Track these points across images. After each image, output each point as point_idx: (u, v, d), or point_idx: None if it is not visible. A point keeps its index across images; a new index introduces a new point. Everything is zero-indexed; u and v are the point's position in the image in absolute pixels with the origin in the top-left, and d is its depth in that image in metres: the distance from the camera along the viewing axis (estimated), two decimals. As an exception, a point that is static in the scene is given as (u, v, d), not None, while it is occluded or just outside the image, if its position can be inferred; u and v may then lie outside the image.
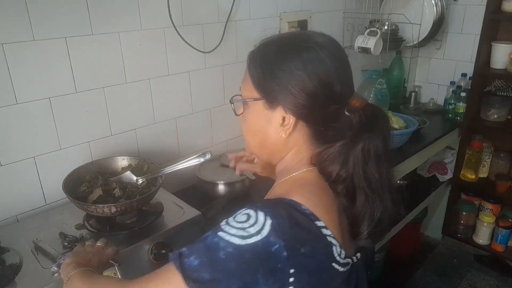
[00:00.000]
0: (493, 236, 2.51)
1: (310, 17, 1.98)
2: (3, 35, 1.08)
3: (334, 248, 0.66)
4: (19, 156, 1.18)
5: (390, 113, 2.06)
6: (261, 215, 0.63)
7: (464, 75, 2.48)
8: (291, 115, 0.71)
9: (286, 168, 0.77)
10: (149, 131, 1.48)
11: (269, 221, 0.62)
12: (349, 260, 0.69)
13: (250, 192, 1.52)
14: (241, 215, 0.65)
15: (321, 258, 0.66)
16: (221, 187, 1.47)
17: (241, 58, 1.69)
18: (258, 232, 0.62)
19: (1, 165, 1.16)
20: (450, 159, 2.57)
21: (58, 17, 1.16)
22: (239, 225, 0.63)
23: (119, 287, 0.75)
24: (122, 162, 1.27)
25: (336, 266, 0.67)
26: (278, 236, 0.61)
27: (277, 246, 0.61)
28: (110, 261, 0.93)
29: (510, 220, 2.43)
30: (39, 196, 1.25)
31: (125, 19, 1.31)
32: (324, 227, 0.66)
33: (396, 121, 2.02)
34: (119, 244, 1.03)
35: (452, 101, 2.43)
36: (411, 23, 2.24)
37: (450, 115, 2.45)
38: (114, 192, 1.12)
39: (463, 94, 2.37)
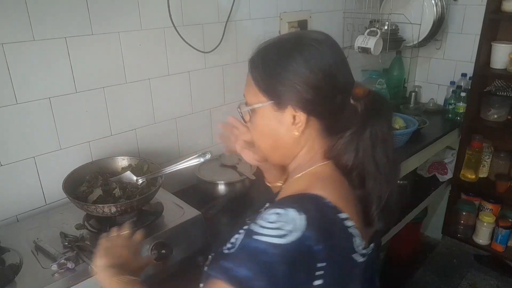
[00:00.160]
0: (493, 236, 2.51)
1: (310, 17, 1.98)
2: (3, 35, 1.08)
3: (354, 239, 0.68)
4: (19, 156, 1.18)
5: (390, 113, 2.06)
6: (292, 212, 0.64)
7: (464, 75, 2.48)
8: (301, 112, 0.72)
9: (299, 166, 0.78)
10: (149, 131, 1.48)
11: (302, 216, 0.63)
12: (366, 251, 0.71)
13: (250, 192, 1.52)
14: (270, 215, 0.65)
15: (344, 250, 0.68)
16: (221, 187, 1.47)
17: (241, 58, 1.69)
18: (295, 229, 0.62)
19: (1, 165, 1.16)
20: (450, 159, 2.57)
21: (58, 17, 1.16)
22: (273, 225, 0.63)
23: None
24: (122, 162, 1.27)
25: (356, 257, 0.69)
26: (313, 229, 0.63)
27: (313, 240, 0.63)
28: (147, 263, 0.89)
29: (510, 220, 2.43)
30: (39, 196, 1.25)
31: (125, 19, 1.31)
32: (347, 218, 0.68)
33: (396, 121, 2.02)
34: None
35: (452, 101, 2.43)
36: (411, 23, 2.24)
37: (450, 115, 2.45)
38: (114, 192, 1.12)
39: (463, 94, 2.36)
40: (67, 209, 1.21)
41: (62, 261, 0.95)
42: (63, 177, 1.13)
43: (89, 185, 1.15)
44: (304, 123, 0.73)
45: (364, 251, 0.70)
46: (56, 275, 0.93)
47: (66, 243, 1.04)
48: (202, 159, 1.13)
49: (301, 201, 0.67)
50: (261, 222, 0.65)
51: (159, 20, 1.39)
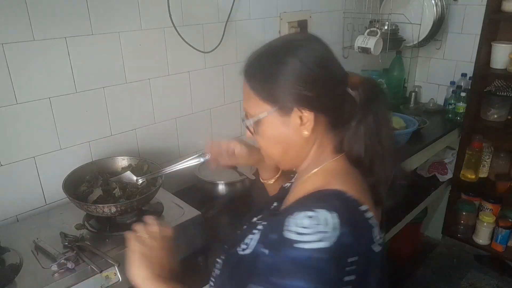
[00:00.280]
0: (493, 236, 2.51)
1: (310, 17, 1.98)
2: (3, 35, 1.08)
3: (373, 230, 0.70)
4: (19, 156, 1.18)
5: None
6: (323, 212, 0.64)
7: (464, 75, 2.48)
8: (307, 111, 0.73)
9: (310, 164, 0.79)
10: (149, 131, 1.48)
11: (334, 214, 0.64)
12: (382, 240, 0.73)
13: (250, 192, 1.52)
14: (301, 220, 0.65)
15: (366, 242, 0.69)
16: (221, 187, 1.47)
17: (241, 58, 1.68)
18: (332, 228, 0.63)
19: (1, 165, 1.16)
20: (450, 159, 2.57)
21: (58, 17, 1.16)
22: (310, 230, 0.63)
23: None
24: (122, 162, 1.27)
25: (374, 247, 0.70)
26: (345, 226, 0.64)
27: (347, 236, 0.64)
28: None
29: (510, 220, 2.43)
30: (39, 196, 1.25)
31: (125, 19, 1.31)
32: (366, 210, 0.70)
33: (396, 121, 2.02)
34: (119, 244, 1.03)
35: (452, 101, 2.43)
36: (411, 23, 2.24)
37: (450, 115, 2.45)
38: (114, 192, 1.12)
39: (463, 94, 2.37)
40: (67, 209, 1.21)
41: (62, 261, 0.94)
42: (63, 177, 1.13)
43: (89, 185, 1.15)
44: (313, 121, 0.73)
45: (380, 241, 0.72)
46: (56, 275, 0.93)
47: (66, 243, 1.03)
48: (202, 159, 1.13)
49: (326, 199, 0.68)
50: (295, 228, 0.64)
51: (159, 20, 1.39)
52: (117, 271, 0.97)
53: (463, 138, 2.47)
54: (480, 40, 2.26)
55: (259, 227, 0.76)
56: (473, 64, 2.33)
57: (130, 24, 1.32)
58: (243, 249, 0.75)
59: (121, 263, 0.95)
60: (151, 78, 1.43)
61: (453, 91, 2.46)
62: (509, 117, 2.35)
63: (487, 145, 2.48)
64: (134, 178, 1.20)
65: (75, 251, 1.00)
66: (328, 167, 0.77)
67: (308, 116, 0.73)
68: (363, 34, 2.07)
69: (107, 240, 1.06)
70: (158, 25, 1.40)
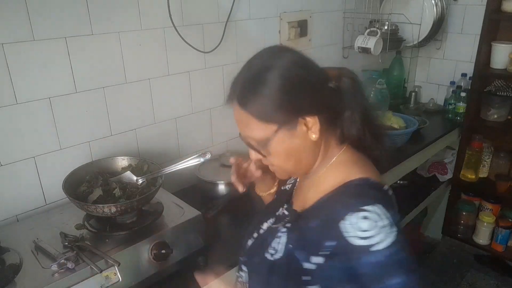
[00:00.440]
0: (493, 236, 2.51)
1: (310, 17, 1.98)
2: (3, 35, 1.08)
3: (395, 205, 0.76)
4: (19, 156, 1.18)
5: (390, 113, 2.06)
6: (371, 208, 0.69)
7: (464, 75, 2.48)
8: (310, 116, 0.74)
9: (321, 163, 0.81)
10: (149, 131, 1.48)
11: (379, 205, 0.69)
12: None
13: (250, 192, 1.51)
14: (358, 224, 0.68)
15: (396, 217, 0.73)
16: (221, 187, 1.47)
17: (241, 58, 1.69)
18: (386, 218, 0.69)
19: (1, 165, 1.16)
20: (450, 159, 2.57)
21: (58, 17, 1.16)
22: (374, 231, 0.67)
23: None
24: (122, 162, 1.27)
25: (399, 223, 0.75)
26: (388, 210, 0.70)
27: (394, 217, 0.71)
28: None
29: (510, 220, 2.43)
30: (39, 196, 1.25)
31: (125, 19, 1.31)
32: (388, 189, 0.76)
33: (396, 121, 2.02)
34: (119, 244, 1.03)
35: (452, 101, 2.43)
36: (411, 23, 2.24)
37: (450, 115, 2.45)
38: (114, 192, 1.12)
39: (463, 94, 2.37)
40: (67, 209, 1.21)
41: (62, 261, 0.94)
42: (63, 177, 1.13)
43: (89, 185, 1.15)
44: (318, 123, 0.75)
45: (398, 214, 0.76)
46: (56, 275, 0.93)
47: (66, 243, 1.03)
48: (202, 159, 1.13)
49: (362, 194, 0.72)
50: (359, 233, 0.67)
51: (159, 20, 1.39)
52: (117, 271, 0.97)
53: (463, 138, 2.47)
54: (480, 40, 2.26)
55: (283, 230, 0.81)
56: (473, 64, 2.33)
57: (130, 24, 1.32)
58: (272, 254, 0.79)
59: (121, 263, 0.95)
60: (151, 78, 1.43)
61: (453, 91, 2.46)
62: (509, 117, 2.35)
63: (487, 145, 2.48)
64: (134, 178, 1.20)
65: (75, 251, 0.99)
66: (340, 160, 0.80)
67: (312, 120, 0.74)
68: (363, 34, 2.07)
69: (107, 240, 1.06)
70: (158, 25, 1.40)
